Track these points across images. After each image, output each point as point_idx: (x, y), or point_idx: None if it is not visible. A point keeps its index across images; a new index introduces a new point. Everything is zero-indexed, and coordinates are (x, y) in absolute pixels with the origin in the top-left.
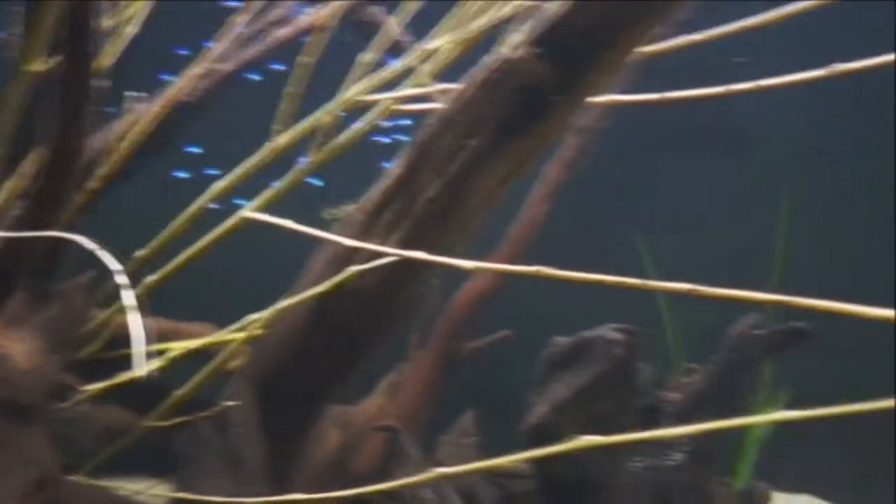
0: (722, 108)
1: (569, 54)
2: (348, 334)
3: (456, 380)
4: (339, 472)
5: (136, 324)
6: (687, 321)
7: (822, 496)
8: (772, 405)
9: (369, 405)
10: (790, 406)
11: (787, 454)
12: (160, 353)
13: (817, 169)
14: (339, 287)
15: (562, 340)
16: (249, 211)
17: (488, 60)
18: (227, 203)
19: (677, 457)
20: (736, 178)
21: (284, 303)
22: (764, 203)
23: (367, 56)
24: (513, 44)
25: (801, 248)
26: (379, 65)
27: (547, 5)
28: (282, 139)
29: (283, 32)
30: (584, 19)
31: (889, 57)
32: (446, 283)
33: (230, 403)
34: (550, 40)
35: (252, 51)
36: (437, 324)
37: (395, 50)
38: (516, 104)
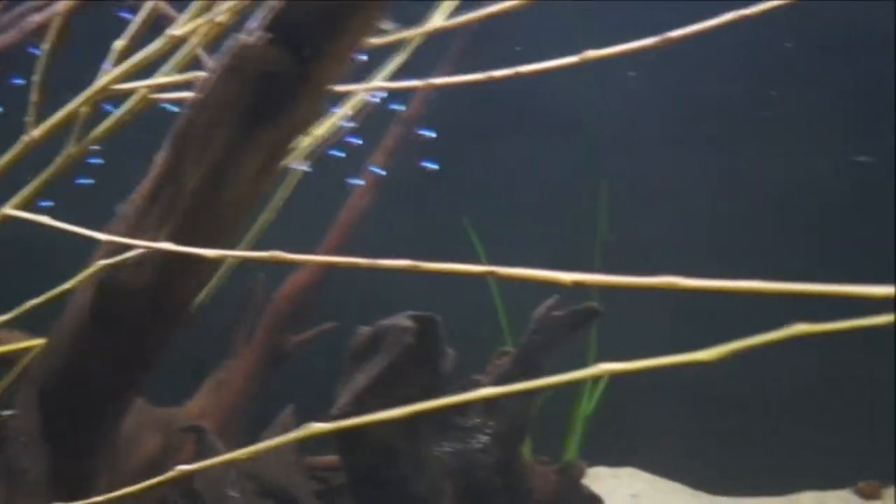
0: (552, 93)
1: (298, 40)
2: (127, 333)
3: (286, 372)
4: (156, 476)
5: None
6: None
7: (646, 469)
8: (595, 383)
9: (193, 405)
10: (616, 383)
11: (612, 430)
12: None
13: (643, 152)
14: (112, 284)
15: (363, 330)
16: (10, 209)
17: (228, 46)
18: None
19: (483, 440)
20: (566, 162)
21: (37, 301)
22: (588, 187)
23: (121, 43)
24: (249, 29)
25: (628, 230)
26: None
27: None
28: (37, 132)
29: (39, 18)
30: (306, 6)
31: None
32: (276, 277)
33: (7, 413)
34: (280, 25)
35: (7, 37)
36: (261, 318)
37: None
38: (257, 91)
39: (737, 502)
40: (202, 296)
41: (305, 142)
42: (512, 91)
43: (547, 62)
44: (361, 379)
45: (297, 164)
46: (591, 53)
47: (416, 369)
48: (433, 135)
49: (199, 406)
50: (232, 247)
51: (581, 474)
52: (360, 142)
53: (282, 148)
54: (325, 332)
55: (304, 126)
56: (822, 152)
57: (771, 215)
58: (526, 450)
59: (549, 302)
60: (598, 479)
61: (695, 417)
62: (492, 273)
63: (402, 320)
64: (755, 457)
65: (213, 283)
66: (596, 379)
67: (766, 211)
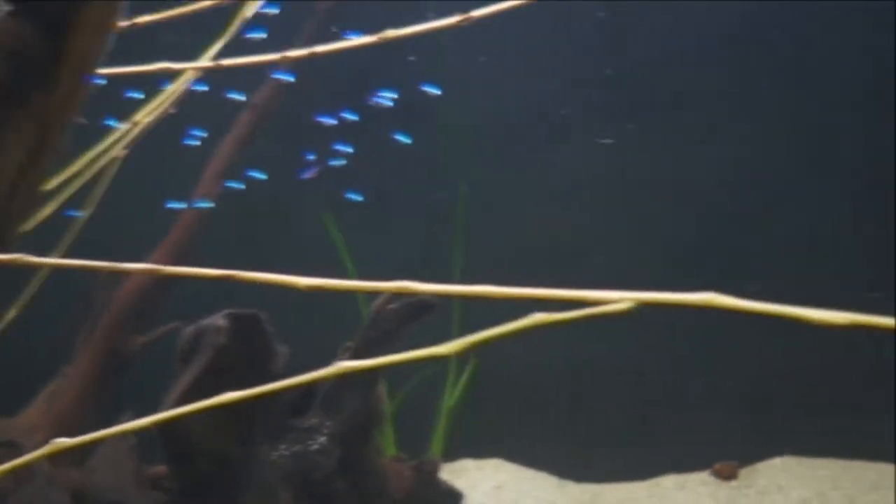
0: (412, 87)
1: (47, 16)
2: None
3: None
4: None
5: None
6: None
7: (512, 459)
8: (459, 376)
9: (27, 415)
10: (479, 376)
11: (477, 422)
12: None
13: (503, 147)
14: None
15: (188, 330)
16: None
17: None
18: None
19: (321, 440)
20: (425, 156)
21: None
22: (450, 180)
23: None
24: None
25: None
26: None
27: None
28: None
29: None
30: None
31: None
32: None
33: None
34: (29, 1)
35: None
36: (99, 322)
37: None
38: (9, 71)
39: (600, 489)
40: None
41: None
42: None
43: (345, 41)
44: (182, 382)
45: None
46: (391, 33)
47: (242, 369)
48: (333, 122)
49: (33, 416)
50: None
51: (435, 469)
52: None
53: (50, 130)
54: (171, 331)
55: (68, 107)
56: (703, 147)
57: (627, 211)
58: (390, 446)
59: (386, 295)
60: (464, 471)
61: (559, 408)
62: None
63: (218, 320)
64: (618, 444)
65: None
66: (458, 372)
67: (624, 206)
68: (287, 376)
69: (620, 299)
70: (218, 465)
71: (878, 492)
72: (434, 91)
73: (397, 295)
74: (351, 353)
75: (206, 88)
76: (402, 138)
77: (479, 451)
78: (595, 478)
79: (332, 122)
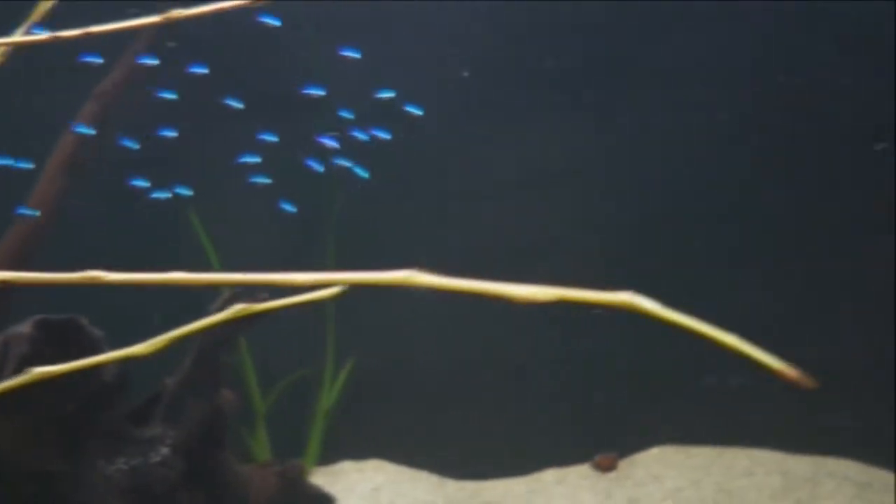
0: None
1: None
2: None
3: None
4: None
5: None
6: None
7: (394, 460)
8: (337, 375)
9: None
10: (357, 375)
11: (357, 423)
12: None
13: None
14: None
15: None
16: None
17: None
18: None
19: (163, 451)
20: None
21: None
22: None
23: None
24: None
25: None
26: None
27: None
28: None
29: None
30: None
31: None
32: None
33: None
34: None
35: None
36: None
37: None
38: None
39: (481, 486)
40: None
41: None
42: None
43: (123, 22)
44: None
45: None
46: (95, 29)
47: (58, 379)
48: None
49: None
50: None
51: (300, 474)
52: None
53: None
54: None
55: None
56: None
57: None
58: (264, 450)
59: (226, 294)
60: (342, 474)
61: (440, 406)
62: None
63: (24, 328)
64: (499, 440)
65: None
66: (334, 373)
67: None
68: (123, 386)
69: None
70: (40, 483)
71: (750, 478)
72: (318, 92)
73: (243, 293)
74: (192, 355)
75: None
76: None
77: (360, 452)
78: (477, 475)
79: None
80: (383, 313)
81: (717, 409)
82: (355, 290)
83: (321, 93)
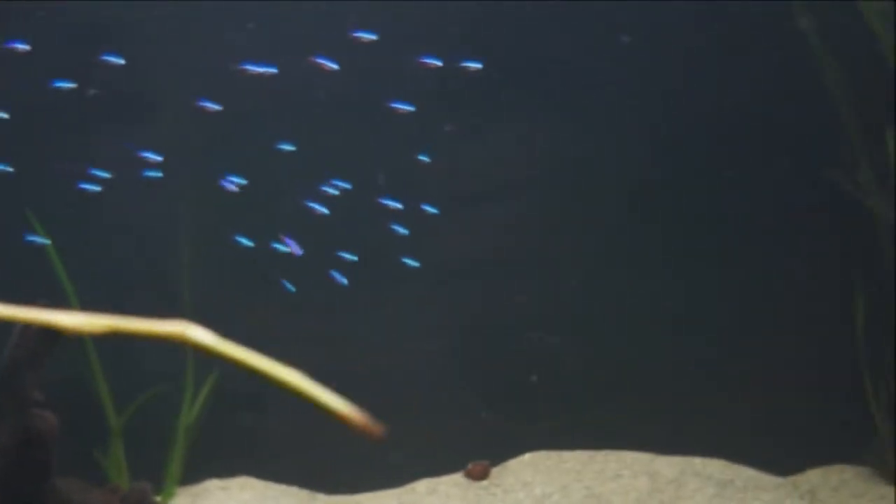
0: (140, 77)
1: None
2: None
3: None
4: None
5: None
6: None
7: (263, 476)
8: (200, 388)
9: None
10: (219, 387)
11: (222, 440)
12: None
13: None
14: None
15: None
16: None
17: None
18: None
19: None
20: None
21: None
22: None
23: None
24: None
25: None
26: None
27: None
28: None
29: None
30: None
31: None
32: None
33: None
34: None
35: None
36: None
37: None
38: None
39: (353, 499)
40: None
41: None
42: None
43: None
44: None
45: None
46: None
47: None
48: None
49: None
50: None
51: (143, 497)
52: None
53: None
54: None
55: None
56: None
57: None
58: (119, 472)
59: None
60: (207, 493)
61: (308, 419)
62: None
63: None
64: (373, 452)
65: None
66: (195, 388)
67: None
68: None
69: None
70: None
71: (617, 481)
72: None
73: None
74: None
75: None
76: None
77: (227, 470)
78: (349, 488)
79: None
80: (248, 324)
81: (591, 413)
82: (221, 297)
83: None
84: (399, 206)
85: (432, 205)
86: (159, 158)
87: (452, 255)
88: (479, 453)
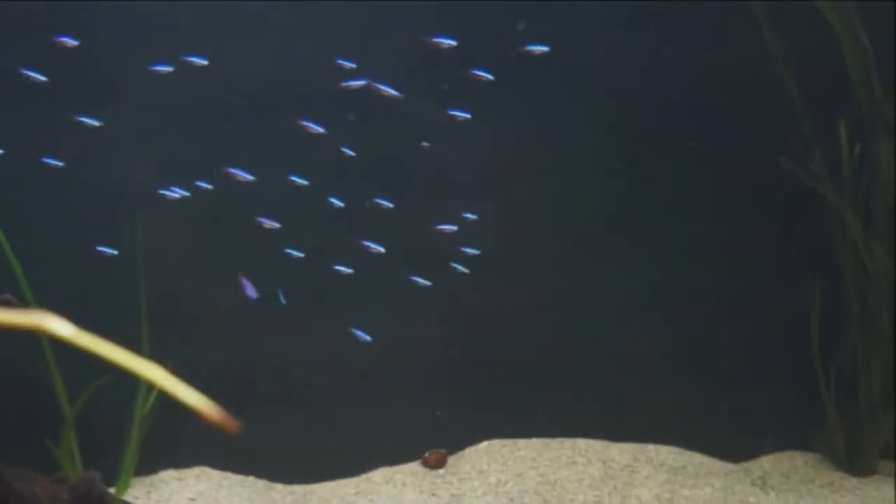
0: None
1: None
2: None
3: None
4: None
5: None
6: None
7: (220, 466)
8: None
9: None
10: (180, 378)
11: (178, 430)
12: None
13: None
14: None
15: None
16: None
17: None
18: None
19: None
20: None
21: None
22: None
23: None
24: None
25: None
26: None
27: None
28: None
29: None
30: None
31: None
32: None
33: None
34: None
35: None
36: None
37: None
38: None
39: (309, 489)
40: None
41: None
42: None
43: None
44: None
45: None
46: None
47: None
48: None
49: None
50: None
51: (92, 486)
52: None
53: None
54: None
55: None
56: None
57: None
58: (71, 463)
59: None
60: (162, 483)
61: (268, 408)
62: None
63: None
64: (333, 442)
65: None
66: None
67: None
68: None
69: None
70: None
71: (572, 467)
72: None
73: None
74: None
75: None
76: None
77: (183, 459)
78: (308, 478)
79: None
80: (205, 313)
81: (547, 402)
82: (178, 287)
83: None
84: (335, 202)
85: (405, 197)
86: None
87: (416, 248)
88: (436, 442)
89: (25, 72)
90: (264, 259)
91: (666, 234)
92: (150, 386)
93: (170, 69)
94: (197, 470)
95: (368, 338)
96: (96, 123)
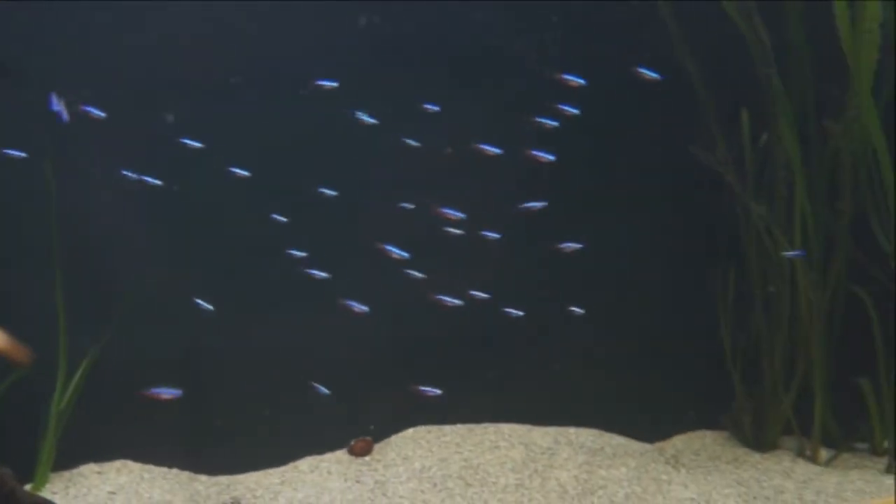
0: None
1: None
2: None
3: None
4: None
5: None
6: None
7: (140, 459)
8: (72, 373)
9: None
10: (100, 370)
11: (99, 424)
12: None
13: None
14: None
15: None
16: None
17: None
18: None
19: None
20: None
21: None
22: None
23: None
24: None
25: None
26: None
27: None
28: None
29: None
30: None
31: None
32: None
33: None
34: None
35: None
36: None
37: None
38: None
39: (235, 479)
40: None
41: None
42: None
43: None
44: None
45: None
46: None
47: None
48: None
49: None
50: None
51: (2, 483)
52: None
53: None
54: None
55: None
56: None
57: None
58: None
59: None
60: (82, 478)
61: (195, 400)
62: None
63: None
64: (260, 431)
65: None
66: (68, 371)
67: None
68: None
69: None
70: None
71: (495, 452)
72: None
73: None
74: None
75: None
76: None
77: (104, 453)
78: (232, 469)
79: None
80: (141, 304)
81: (473, 389)
82: (89, 275)
83: None
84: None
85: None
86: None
87: (342, 240)
88: (363, 430)
89: None
90: (199, 252)
91: (582, 227)
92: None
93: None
94: (118, 463)
95: (366, 307)
96: None
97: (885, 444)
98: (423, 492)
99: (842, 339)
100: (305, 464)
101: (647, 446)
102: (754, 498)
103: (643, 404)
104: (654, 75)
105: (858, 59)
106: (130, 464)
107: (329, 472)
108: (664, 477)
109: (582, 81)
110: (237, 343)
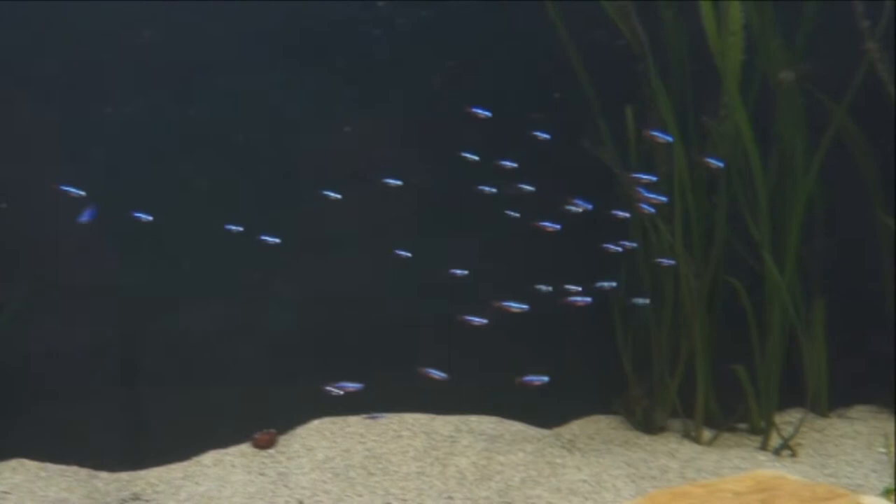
0: None
1: None
2: None
3: None
4: None
5: None
6: None
7: (37, 457)
8: None
9: None
10: None
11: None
12: None
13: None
14: None
15: None
16: None
17: None
18: None
19: None
20: None
21: None
22: None
23: None
24: None
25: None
26: None
27: None
28: None
29: None
30: None
31: None
32: None
33: None
34: None
35: None
36: None
37: None
38: None
39: (137, 475)
40: None
41: None
42: None
43: None
44: None
45: None
46: None
47: None
48: None
49: None
50: None
51: None
52: None
53: None
54: None
55: None
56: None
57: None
58: None
59: None
60: None
61: (94, 397)
62: None
63: None
64: (163, 426)
65: None
66: None
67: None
68: None
69: None
70: None
71: (397, 441)
72: None
73: None
74: None
75: None
76: None
77: (2, 452)
78: (134, 465)
79: None
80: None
81: (377, 380)
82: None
83: None
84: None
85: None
86: None
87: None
88: (267, 423)
89: None
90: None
91: (479, 218)
92: None
93: None
94: (14, 462)
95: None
96: None
97: (762, 423)
98: (324, 482)
99: (723, 325)
100: (209, 458)
101: (545, 432)
102: (641, 478)
103: (542, 392)
104: (486, 113)
105: (726, 60)
106: (27, 462)
107: (232, 466)
108: (559, 461)
109: (488, 114)
110: (138, 337)
